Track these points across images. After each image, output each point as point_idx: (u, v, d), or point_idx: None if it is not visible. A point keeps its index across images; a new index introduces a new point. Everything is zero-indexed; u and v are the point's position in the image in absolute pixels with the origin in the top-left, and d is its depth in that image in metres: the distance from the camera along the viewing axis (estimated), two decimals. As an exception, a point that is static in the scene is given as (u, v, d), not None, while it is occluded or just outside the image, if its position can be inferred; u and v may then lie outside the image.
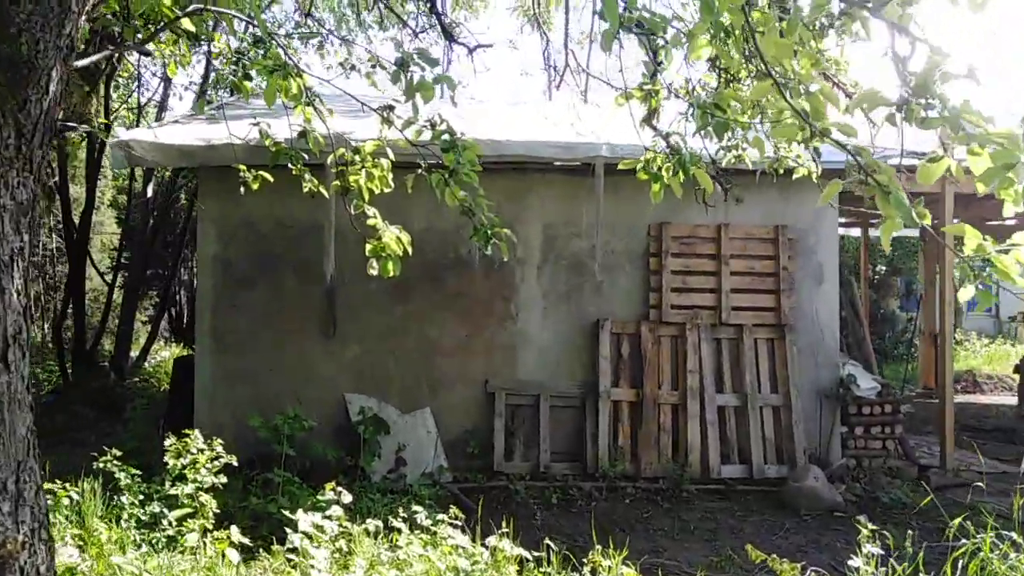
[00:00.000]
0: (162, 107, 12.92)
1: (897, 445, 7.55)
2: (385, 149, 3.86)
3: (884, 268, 19.21)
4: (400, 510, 4.27)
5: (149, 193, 11.53)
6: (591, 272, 7.10)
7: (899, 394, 7.58)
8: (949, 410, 7.50)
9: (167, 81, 12.49)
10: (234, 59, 3.54)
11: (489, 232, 3.49)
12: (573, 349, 7.19)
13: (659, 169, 5.41)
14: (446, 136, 3.47)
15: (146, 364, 11.51)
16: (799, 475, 6.49)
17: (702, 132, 2.85)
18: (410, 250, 3.78)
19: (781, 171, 5.60)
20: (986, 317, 22.45)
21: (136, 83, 12.41)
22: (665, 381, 7.14)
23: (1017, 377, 11.57)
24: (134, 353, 11.84)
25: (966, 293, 2.06)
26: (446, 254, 7.05)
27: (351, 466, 6.49)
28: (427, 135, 3.56)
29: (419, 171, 3.60)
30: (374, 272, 3.73)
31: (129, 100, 13.28)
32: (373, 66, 3.39)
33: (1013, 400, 12.83)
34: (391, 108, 3.45)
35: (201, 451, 4.16)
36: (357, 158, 3.77)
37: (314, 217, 6.64)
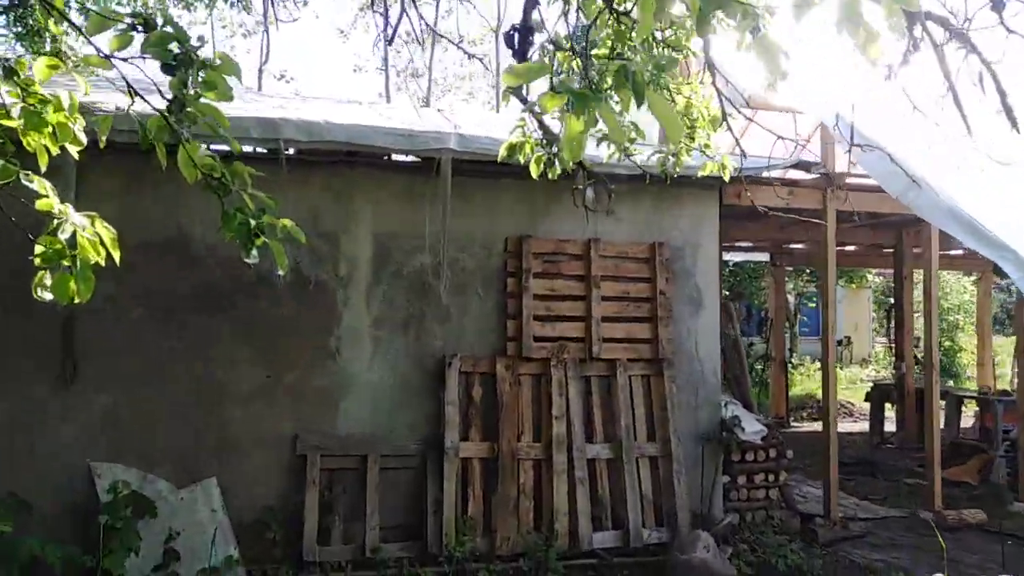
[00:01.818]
0: None
1: (779, 494, 6.68)
2: (79, 82, 2.20)
3: (726, 292, 19.27)
4: None
5: None
6: (436, 295, 5.62)
7: (783, 438, 6.72)
8: (834, 452, 6.72)
9: None
10: None
11: (254, 224, 1.92)
12: (412, 393, 5.66)
13: (528, 158, 4.08)
14: (174, 45, 1.88)
15: None
16: (686, 545, 5.33)
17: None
18: (116, 255, 2.13)
19: (677, 172, 4.46)
20: (815, 341, 23.32)
21: None
22: (526, 431, 5.78)
23: (868, 405, 11.40)
24: None
25: None
26: (240, 269, 5.29)
27: (92, 568, 4.56)
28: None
29: (124, 109, 1.98)
30: (47, 296, 2.06)
31: None
32: None
33: (857, 427, 12.80)
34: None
35: None
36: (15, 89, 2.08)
37: (37, 214, 4.69)
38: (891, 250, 10.94)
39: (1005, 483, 7.82)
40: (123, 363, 5.06)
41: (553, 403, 5.79)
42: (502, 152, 3.86)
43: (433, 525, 5.36)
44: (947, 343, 20.38)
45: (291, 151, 5.30)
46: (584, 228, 6.05)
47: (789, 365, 15.65)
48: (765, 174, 6.56)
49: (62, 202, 2.05)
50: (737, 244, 12.80)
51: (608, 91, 2.09)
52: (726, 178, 4.19)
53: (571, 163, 3.91)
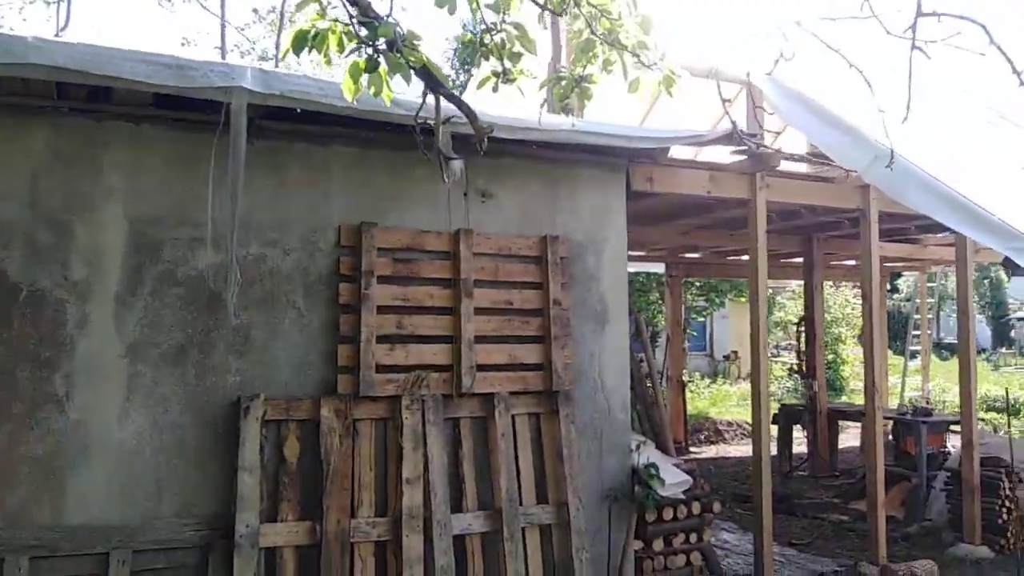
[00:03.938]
0: None
1: (702, 557, 5.26)
2: None
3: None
4: None
5: None
6: (227, 309, 3.80)
7: (710, 489, 5.32)
8: (767, 505, 5.37)
9: None
10: None
11: None
12: (192, 456, 3.80)
13: (336, 60, 2.39)
14: None
15: None
16: (594, 657, 3.75)
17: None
18: None
19: (585, 105, 2.91)
20: (701, 356, 22.76)
21: None
22: (366, 502, 4.04)
23: (775, 428, 10.35)
24: None
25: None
26: None
27: None
28: None
29: None
30: None
31: None
32: None
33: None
34: None
35: None
36: None
37: None
38: (794, 260, 10.05)
39: (947, 520, 6.78)
40: None
41: (405, 460, 4.08)
42: (289, 40, 2.18)
43: (217, 660, 3.52)
44: (830, 356, 20.17)
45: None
46: (451, 215, 4.43)
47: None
48: (677, 152, 5.30)
49: None
50: (629, 253, 11.61)
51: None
52: (672, 93, 2.70)
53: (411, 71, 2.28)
